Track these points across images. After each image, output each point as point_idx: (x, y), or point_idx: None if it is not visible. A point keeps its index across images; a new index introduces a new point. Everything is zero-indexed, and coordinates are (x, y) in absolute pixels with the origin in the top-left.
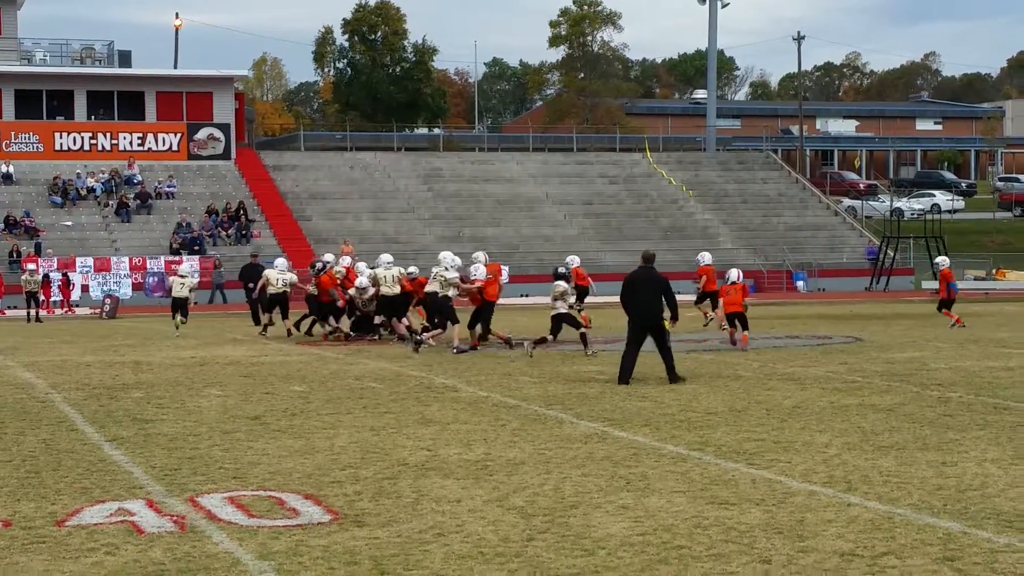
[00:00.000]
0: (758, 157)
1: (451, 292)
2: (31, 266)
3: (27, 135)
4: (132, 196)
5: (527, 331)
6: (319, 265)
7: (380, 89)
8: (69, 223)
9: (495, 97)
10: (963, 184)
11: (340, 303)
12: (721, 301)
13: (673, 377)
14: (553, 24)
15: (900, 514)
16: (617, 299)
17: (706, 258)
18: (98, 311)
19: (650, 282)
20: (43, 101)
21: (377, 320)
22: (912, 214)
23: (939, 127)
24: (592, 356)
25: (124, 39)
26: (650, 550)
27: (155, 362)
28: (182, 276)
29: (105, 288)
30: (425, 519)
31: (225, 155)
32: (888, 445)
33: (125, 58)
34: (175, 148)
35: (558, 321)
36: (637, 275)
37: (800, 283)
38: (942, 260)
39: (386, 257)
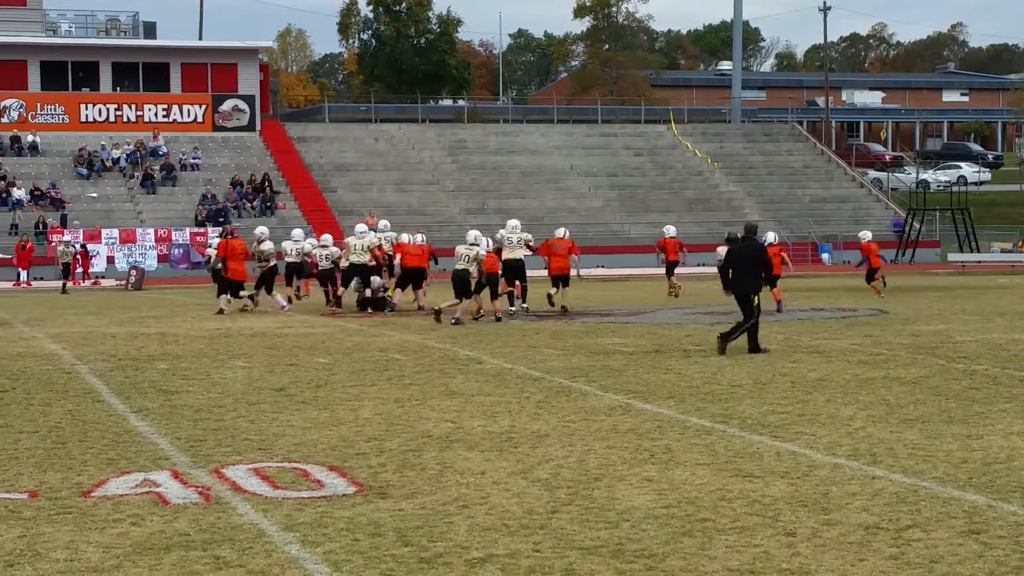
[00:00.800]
0: (783, 129)
1: (472, 268)
2: (66, 237)
3: (53, 106)
4: (157, 167)
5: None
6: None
7: (405, 60)
8: (94, 194)
9: (520, 68)
10: (990, 156)
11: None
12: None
13: (753, 347)
14: None
15: (925, 487)
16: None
17: (671, 231)
18: (123, 283)
19: (750, 253)
20: (68, 72)
21: (341, 290)
22: (938, 186)
23: (966, 98)
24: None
25: (149, 10)
26: (674, 523)
27: (180, 334)
28: (324, 245)
29: (130, 260)
30: (449, 491)
31: (250, 127)
32: (913, 418)
33: (150, 29)
34: (200, 120)
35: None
36: (739, 248)
37: (825, 255)
38: (864, 234)
39: (360, 227)
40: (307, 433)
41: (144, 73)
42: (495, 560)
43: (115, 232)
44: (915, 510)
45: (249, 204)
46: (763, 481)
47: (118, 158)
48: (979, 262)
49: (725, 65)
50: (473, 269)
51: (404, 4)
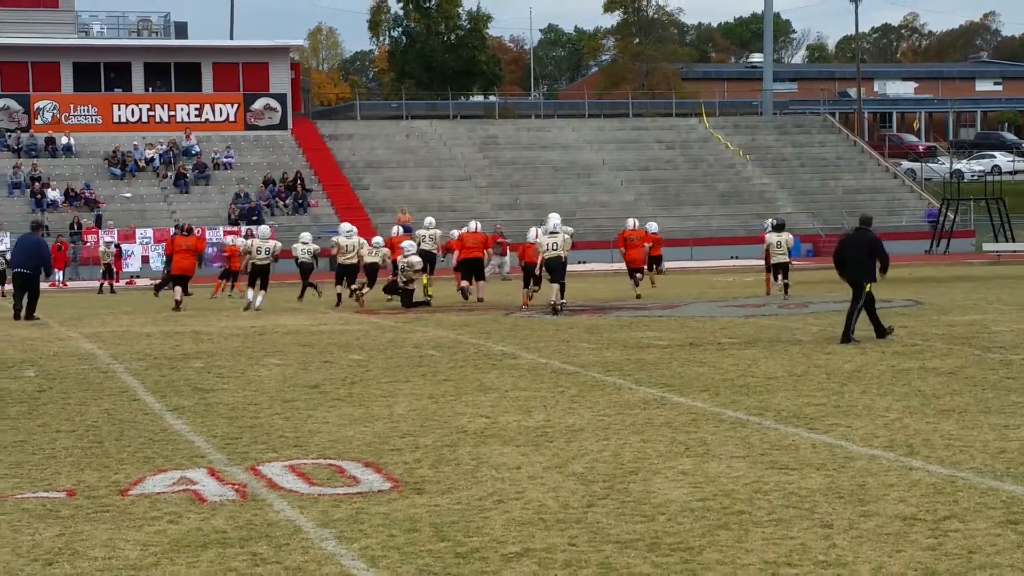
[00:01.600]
0: (815, 120)
1: (564, 253)
2: (108, 238)
3: (86, 107)
4: (190, 167)
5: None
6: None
7: (435, 57)
8: (128, 195)
9: (550, 63)
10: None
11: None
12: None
13: (880, 332)
14: None
15: (962, 478)
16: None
17: (652, 227)
18: (154, 282)
19: (862, 244)
20: (101, 73)
21: (339, 287)
22: (972, 176)
23: (999, 87)
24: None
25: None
26: (710, 516)
27: (215, 332)
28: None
29: (165, 259)
30: (485, 486)
31: (282, 125)
32: (949, 408)
33: (181, 29)
34: (232, 119)
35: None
36: (851, 237)
37: None
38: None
39: (346, 227)
40: (342, 430)
41: (176, 73)
42: (531, 554)
43: (149, 232)
44: (953, 501)
45: (282, 202)
46: (799, 473)
47: (151, 158)
48: (1014, 251)
49: (756, 57)
50: (564, 254)
51: (434, 1)
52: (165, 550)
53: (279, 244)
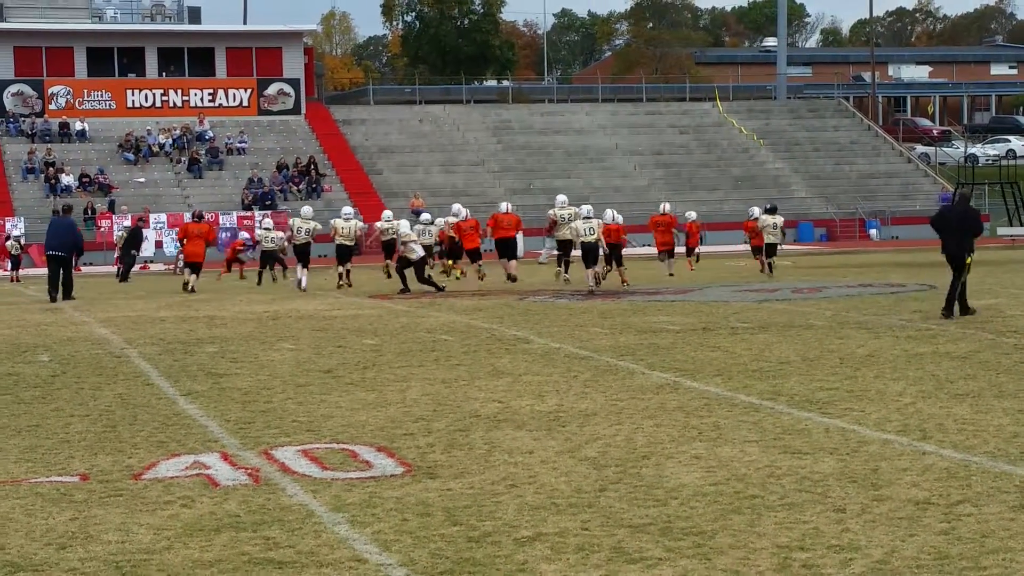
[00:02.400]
0: (829, 105)
1: (596, 238)
2: (126, 223)
3: (99, 92)
4: (203, 152)
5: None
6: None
7: (448, 42)
8: (142, 179)
9: (564, 48)
10: None
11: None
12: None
13: (964, 309)
14: None
15: (976, 462)
16: None
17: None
18: (172, 267)
19: (965, 218)
20: (115, 58)
21: (342, 268)
22: (987, 160)
23: (1014, 71)
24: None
25: None
26: (723, 500)
27: (228, 317)
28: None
29: (178, 244)
30: (497, 470)
31: (295, 110)
32: (963, 393)
33: (195, 14)
34: (245, 104)
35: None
36: (952, 211)
37: (873, 231)
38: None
39: (347, 210)
40: (355, 414)
41: (189, 58)
42: (544, 538)
43: (163, 217)
44: (966, 485)
45: (295, 187)
46: (812, 458)
47: (164, 143)
48: None
49: (770, 41)
50: (597, 239)
51: None
52: (178, 534)
53: (319, 225)
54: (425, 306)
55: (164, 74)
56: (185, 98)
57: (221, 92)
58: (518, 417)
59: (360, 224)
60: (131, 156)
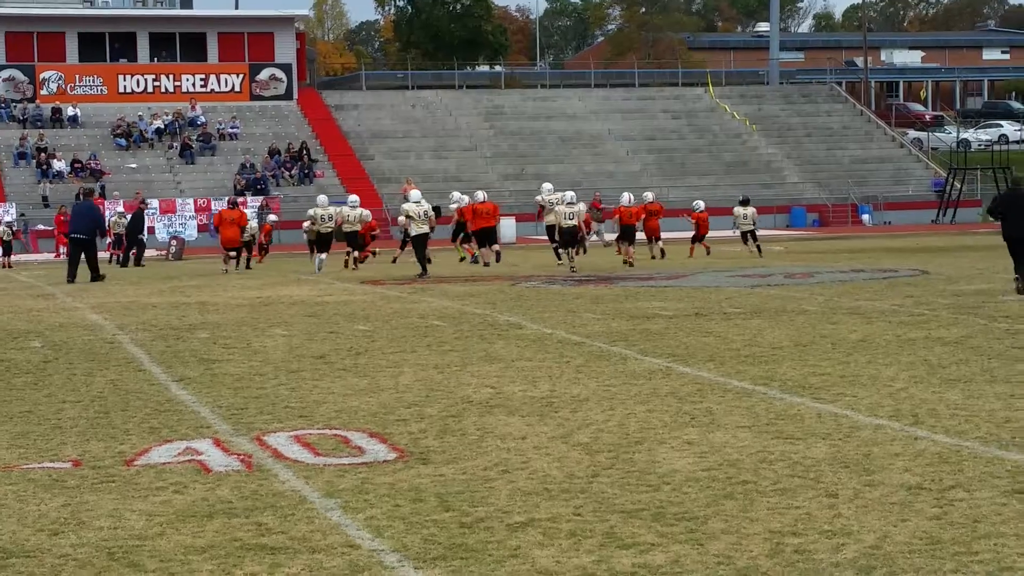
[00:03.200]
0: (822, 90)
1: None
2: (120, 208)
3: (91, 78)
4: (195, 137)
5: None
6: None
7: (441, 27)
8: (134, 165)
9: (556, 33)
10: None
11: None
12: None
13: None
14: None
15: (968, 447)
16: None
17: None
18: (164, 253)
19: (1019, 202)
20: (106, 44)
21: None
22: (979, 145)
23: (1006, 56)
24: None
25: None
26: (715, 485)
27: (220, 303)
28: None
29: (171, 230)
30: (490, 456)
31: (287, 95)
32: (955, 378)
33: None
34: (237, 89)
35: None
36: (1011, 195)
37: (865, 216)
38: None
39: (353, 198)
40: (347, 400)
41: (181, 43)
42: (536, 524)
43: (155, 202)
44: (958, 470)
45: (287, 173)
46: (804, 443)
47: (157, 128)
48: None
49: (763, 27)
50: (577, 224)
51: None
52: (170, 520)
53: (368, 213)
54: (417, 291)
55: (156, 59)
56: (177, 83)
57: (213, 77)
58: (511, 403)
59: (366, 212)
60: (123, 141)
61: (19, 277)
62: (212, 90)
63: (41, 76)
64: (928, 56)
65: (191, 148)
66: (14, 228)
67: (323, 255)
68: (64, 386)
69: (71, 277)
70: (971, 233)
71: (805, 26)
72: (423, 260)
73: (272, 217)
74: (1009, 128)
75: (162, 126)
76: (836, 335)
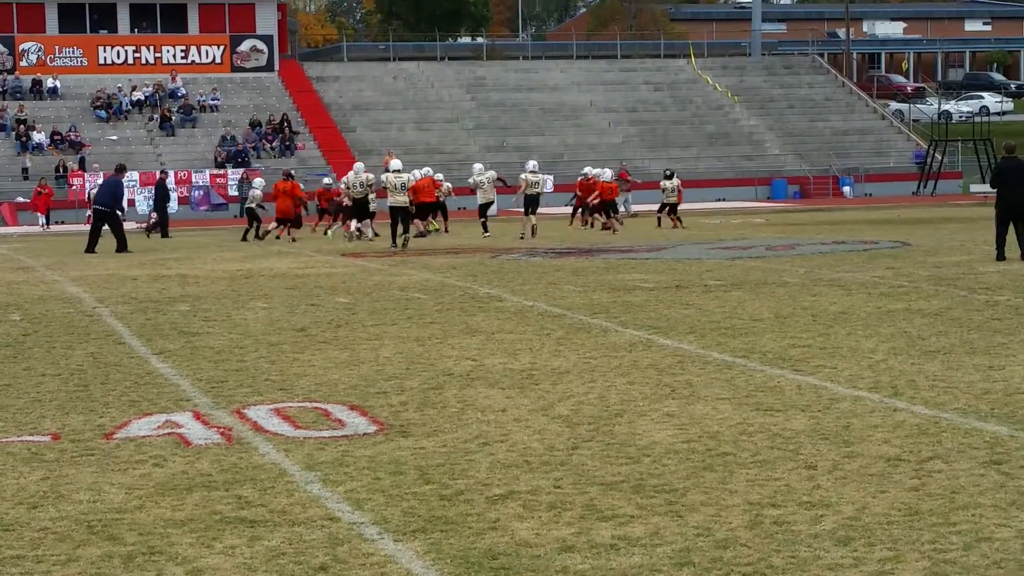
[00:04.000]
0: (804, 61)
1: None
2: (100, 181)
3: (71, 49)
4: (176, 109)
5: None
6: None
7: None
8: (114, 137)
9: (538, 5)
10: (1012, 86)
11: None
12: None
13: None
14: None
15: (947, 418)
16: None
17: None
18: (144, 225)
19: (1019, 170)
20: (86, 15)
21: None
22: (960, 117)
23: (988, 27)
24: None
25: None
26: (695, 457)
27: (201, 275)
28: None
29: (151, 202)
30: (470, 428)
31: (268, 67)
32: (935, 350)
33: None
34: (218, 61)
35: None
36: (1006, 164)
37: (847, 188)
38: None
39: (360, 165)
40: (328, 373)
41: (162, 14)
42: (516, 496)
43: (135, 175)
44: (936, 442)
45: (268, 145)
46: (784, 415)
47: (137, 100)
48: None
49: None
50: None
51: None
52: (150, 493)
53: (372, 176)
54: (398, 264)
55: (136, 31)
56: (157, 55)
57: (194, 49)
58: (491, 375)
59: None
60: (103, 114)
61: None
62: (193, 62)
63: (20, 47)
64: (910, 27)
65: (171, 120)
66: None
67: (363, 223)
68: (43, 359)
69: (90, 247)
70: (952, 205)
71: None
72: (395, 231)
73: (327, 180)
74: (990, 100)
75: (143, 98)
76: (816, 307)
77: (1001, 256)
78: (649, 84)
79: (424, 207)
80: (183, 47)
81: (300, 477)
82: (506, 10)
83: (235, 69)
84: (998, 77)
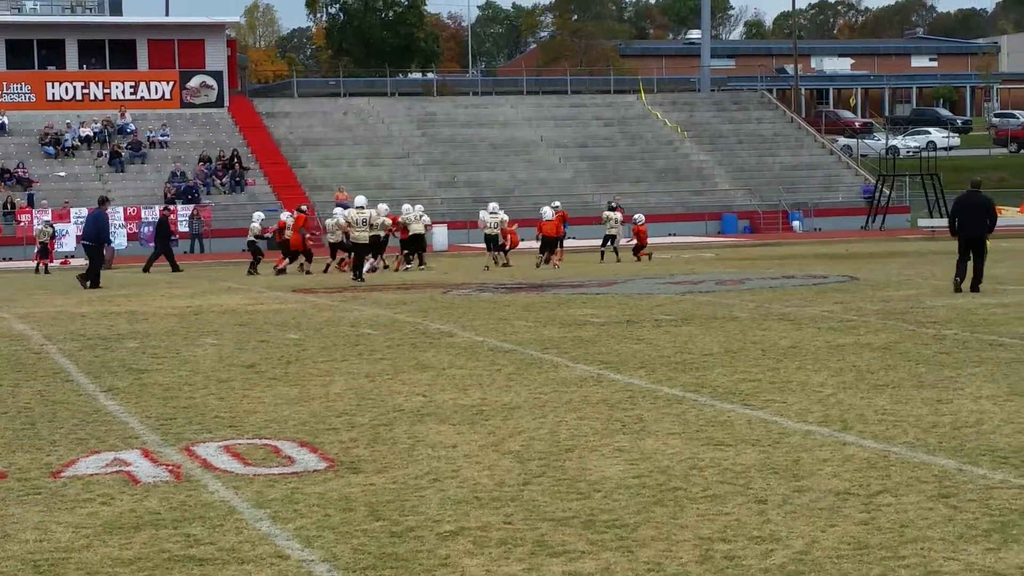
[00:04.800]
0: (753, 97)
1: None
2: (46, 217)
3: (19, 85)
4: (125, 145)
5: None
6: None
7: (373, 34)
8: (63, 173)
9: (488, 40)
10: (959, 121)
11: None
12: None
13: (976, 288)
14: None
15: (895, 452)
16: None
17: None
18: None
19: (977, 205)
20: (34, 50)
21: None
22: (908, 152)
23: (934, 64)
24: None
25: None
26: (646, 492)
27: (150, 312)
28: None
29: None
30: (421, 465)
31: (218, 103)
32: (883, 384)
33: (116, 5)
34: (168, 96)
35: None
36: (966, 198)
37: (796, 223)
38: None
39: (361, 199)
40: (278, 409)
41: (111, 50)
42: (467, 533)
43: (84, 211)
44: (885, 475)
45: (219, 181)
46: (734, 449)
47: (86, 136)
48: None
49: (694, 34)
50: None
51: None
52: (97, 532)
53: (386, 207)
54: (348, 300)
55: (85, 66)
56: (106, 91)
57: (143, 85)
58: (442, 411)
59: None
60: (51, 150)
61: None
62: (142, 97)
63: None
64: (857, 63)
65: (120, 156)
66: None
67: (371, 259)
68: None
69: (93, 283)
70: (900, 239)
71: (736, 33)
72: (359, 266)
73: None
74: (937, 135)
75: (91, 134)
76: (766, 341)
77: (958, 286)
78: (599, 119)
79: (549, 240)
80: (132, 83)
81: (249, 515)
82: (456, 46)
83: (184, 105)
84: (944, 112)
